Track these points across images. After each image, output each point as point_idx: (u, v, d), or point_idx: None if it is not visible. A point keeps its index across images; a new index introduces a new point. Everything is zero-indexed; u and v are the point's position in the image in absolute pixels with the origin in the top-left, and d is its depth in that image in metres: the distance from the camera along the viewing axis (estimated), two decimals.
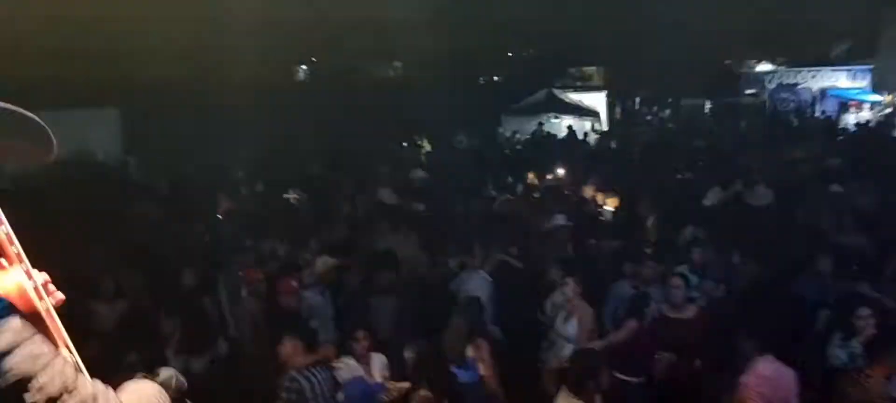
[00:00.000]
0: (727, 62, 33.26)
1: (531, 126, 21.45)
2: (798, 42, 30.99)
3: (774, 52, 31.89)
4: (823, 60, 30.18)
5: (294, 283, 6.75)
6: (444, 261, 8.57)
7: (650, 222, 9.45)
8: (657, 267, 7.25)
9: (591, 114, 22.53)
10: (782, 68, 30.21)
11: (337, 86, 32.34)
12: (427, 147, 19.62)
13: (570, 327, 6.45)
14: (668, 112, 29.37)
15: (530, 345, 6.90)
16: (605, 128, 22.46)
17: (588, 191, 10.99)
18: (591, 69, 34.35)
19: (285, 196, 11.85)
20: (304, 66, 38.81)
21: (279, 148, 18.76)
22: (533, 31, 34.92)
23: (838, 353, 5.49)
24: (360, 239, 9.29)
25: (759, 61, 32.44)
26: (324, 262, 7.29)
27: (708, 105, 28.43)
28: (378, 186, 12.29)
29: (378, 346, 6.07)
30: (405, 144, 21.02)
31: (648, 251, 7.94)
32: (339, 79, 33.95)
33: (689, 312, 5.97)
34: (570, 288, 6.51)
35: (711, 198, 10.19)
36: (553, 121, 21.53)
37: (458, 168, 14.70)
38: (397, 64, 39.17)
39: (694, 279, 6.42)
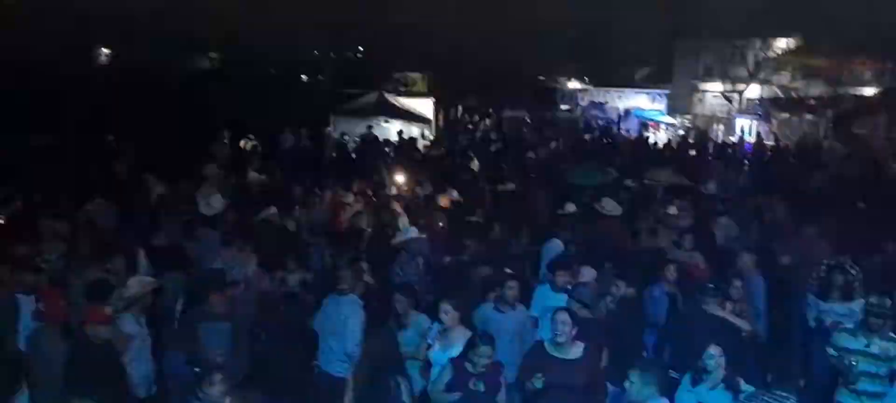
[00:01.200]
0: (542, 78, 34.57)
1: (361, 128, 20.54)
2: (607, 65, 32.85)
3: (585, 71, 33.57)
4: (628, 82, 32.27)
5: (107, 310, 5.37)
6: (283, 278, 7.46)
7: (502, 234, 8.96)
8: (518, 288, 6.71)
9: (421, 119, 22.07)
10: (592, 87, 31.84)
11: (144, 79, 29.55)
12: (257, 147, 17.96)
13: (453, 352, 5.63)
14: (488, 122, 29.73)
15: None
16: (432, 134, 22.07)
17: (444, 201, 10.24)
18: (415, 75, 34.19)
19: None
20: (105, 53, 35.11)
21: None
22: (357, 33, 34.16)
23: None
24: (185, 255, 7.93)
25: (571, 79, 34.03)
26: (139, 282, 5.93)
27: (527, 117, 29.20)
28: (202, 191, 10.80)
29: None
30: (226, 143, 19.18)
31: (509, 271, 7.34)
32: (147, 72, 30.98)
33: (577, 351, 5.31)
34: (448, 316, 5.72)
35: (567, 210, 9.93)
36: (383, 124, 20.77)
37: (292, 171, 13.41)
38: (214, 56, 36.63)
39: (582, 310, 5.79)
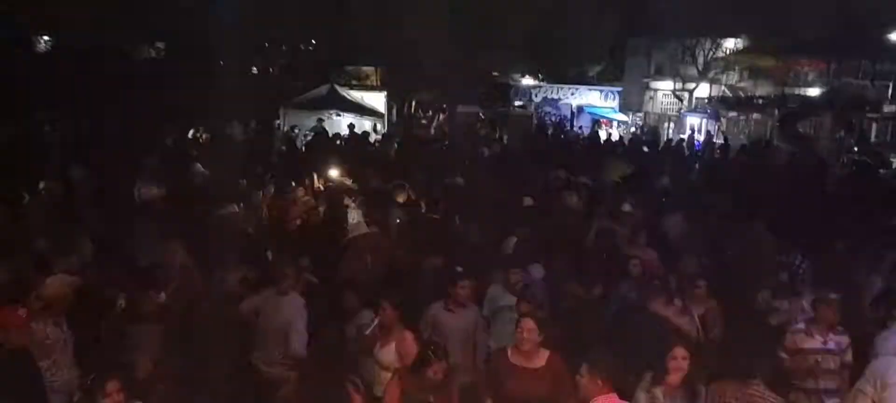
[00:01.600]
0: (495, 74, 34.46)
1: (311, 121, 20.06)
2: (560, 62, 32.94)
3: (539, 68, 33.58)
4: (581, 80, 32.40)
5: (21, 312, 4.92)
6: (223, 278, 7.06)
7: (456, 230, 8.71)
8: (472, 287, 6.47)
9: (373, 113, 21.66)
10: (545, 84, 31.85)
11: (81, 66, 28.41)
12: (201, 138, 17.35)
13: (389, 355, 5.39)
14: (442, 117, 29.49)
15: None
16: (385, 128, 21.69)
17: (399, 196, 9.91)
18: (368, 69, 33.73)
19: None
20: (44, 39, 33.66)
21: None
22: (309, 25, 33.47)
23: None
24: (114, 250, 7.46)
25: (525, 75, 34.00)
26: (58, 282, 5.47)
27: (480, 113, 29.05)
28: (140, 182, 10.29)
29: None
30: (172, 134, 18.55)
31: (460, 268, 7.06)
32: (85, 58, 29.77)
33: (540, 360, 5.04)
34: (387, 312, 5.45)
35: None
36: (335, 117, 20.32)
37: (237, 163, 12.89)
38: (159, 45, 35.47)
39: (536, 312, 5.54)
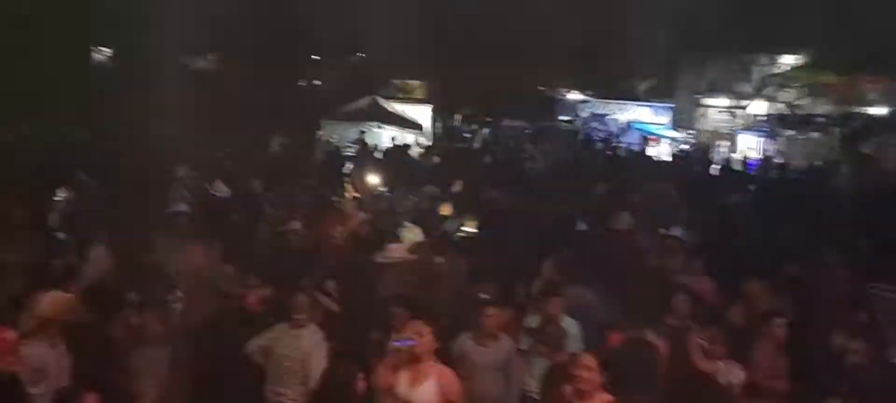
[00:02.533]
0: (542, 88, 33.70)
1: (353, 133, 19.67)
2: (609, 76, 32.01)
3: (587, 83, 32.71)
4: (630, 95, 31.42)
5: (8, 334, 4.46)
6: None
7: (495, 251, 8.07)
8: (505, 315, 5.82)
9: (415, 126, 21.16)
10: (593, 99, 31.00)
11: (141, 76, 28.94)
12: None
13: (425, 394, 4.73)
14: (487, 131, 28.86)
15: None
16: (428, 141, 21.16)
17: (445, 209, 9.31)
18: (414, 82, 33.35)
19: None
20: (103, 52, 34.24)
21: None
22: (356, 37, 33.29)
23: None
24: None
25: (572, 90, 33.16)
26: (54, 299, 5.02)
27: (526, 128, 28.36)
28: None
29: None
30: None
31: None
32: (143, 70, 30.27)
33: None
34: (424, 338, 4.81)
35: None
36: (376, 130, 19.88)
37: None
38: (210, 57, 35.72)
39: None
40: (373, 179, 12.50)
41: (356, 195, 11.57)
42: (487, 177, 14.04)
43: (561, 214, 10.12)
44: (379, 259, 7.04)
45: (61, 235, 7.49)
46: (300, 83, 35.38)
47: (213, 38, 32.51)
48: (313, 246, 8.23)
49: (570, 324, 6.03)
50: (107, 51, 32.86)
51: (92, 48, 33.20)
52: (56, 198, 9.44)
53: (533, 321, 6.19)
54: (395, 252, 7.04)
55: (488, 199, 11.32)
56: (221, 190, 10.71)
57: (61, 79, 21.10)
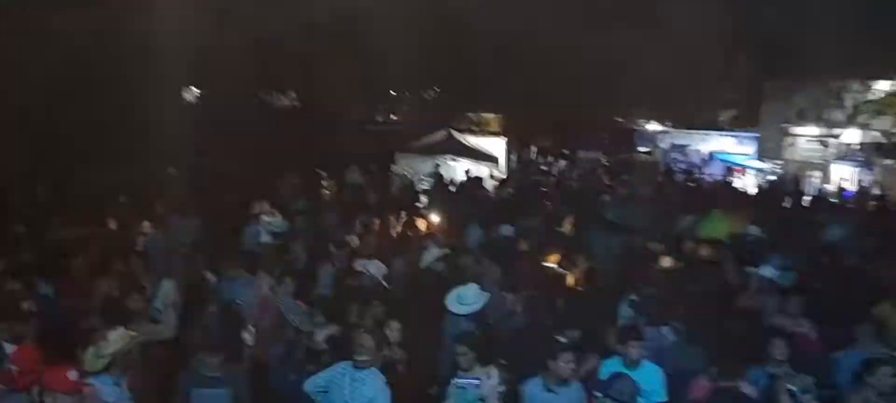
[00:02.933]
0: (620, 119, 32.97)
1: (427, 166, 19.59)
2: (689, 106, 31.04)
3: (666, 114, 31.82)
4: (712, 125, 30.31)
5: (71, 374, 4.39)
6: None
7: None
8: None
9: (490, 158, 20.90)
10: (674, 130, 30.06)
11: (228, 113, 30.21)
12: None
13: None
14: (563, 163, 28.34)
15: None
16: (503, 174, 20.85)
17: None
18: (489, 115, 33.20)
19: None
20: (193, 91, 35.73)
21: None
22: (432, 73, 33.52)
23: None
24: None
25: (651, 121, 32.32)
26: (121, 336, 4.95)
27: (602, 159, 27.70)
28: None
29: None
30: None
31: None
32: (230, 107, 31.54)
33: None
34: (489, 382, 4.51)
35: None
36: (450, 163, 19.73)
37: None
38: (292, 94, 36.70)
39: None
40: (446, 214, 12.28)
41: (430, 230, 11.35)
42: (563, 211, 13.58)
43: (640, 249, 9.61)
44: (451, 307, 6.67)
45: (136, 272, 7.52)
46: (377, 119, 36.09)
47: (288, 76, 33.74)
48: (383, 283, 8.03)
49: (650, 371, 5.58)
50: (193, 90, 34.41)
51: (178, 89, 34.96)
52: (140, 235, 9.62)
53: (611, 364, 5.75)
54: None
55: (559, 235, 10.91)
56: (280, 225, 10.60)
57: (148, 120, 22.14)
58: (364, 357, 5.10)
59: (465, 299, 6.48)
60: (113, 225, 8.96)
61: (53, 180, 15.63)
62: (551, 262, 8.65)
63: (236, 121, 27.90)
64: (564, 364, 5.23)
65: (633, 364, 5.48)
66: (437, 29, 30.79)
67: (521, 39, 31.12)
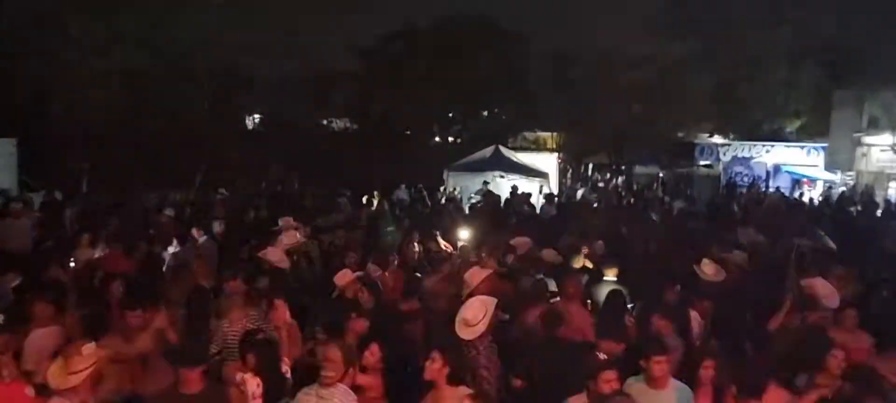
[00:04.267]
0: (680, 134, 31.74)
1: (476, 183, 19.03)
2: (752, 118, 29.61)
3: (729, 126, 30.44)
4: (778, 136, 28.77)
5: (28, 391, 4.03)
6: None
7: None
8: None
9: (540, 174, 20.16)
10: (735, 142, 28.65)
11: (283, 136, 30.78)
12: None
13: None
14: (620, 180, 27.35)
15: None
16: (552, 190, 20.08)
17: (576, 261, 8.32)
18: (545, 134, 32.49)
19: None
20: (256, 117, 36.50)
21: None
22: (487, 94, 33.14)
23: None
24: None
25: (712, 134, 30.99)
26: (92, 353, 4.51)
27: (660, 173, 26.58)
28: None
29: None
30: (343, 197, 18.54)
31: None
32: (285, 131, 32.11)
33: None
34: None
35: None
36: (499, 179, 19.12)
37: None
38: (345, 120, 36.99)
39: None
40: (490, 231, 11.68)
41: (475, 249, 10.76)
42: (620, 228, 12.79)
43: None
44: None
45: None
46: (434, 139, 35.93)
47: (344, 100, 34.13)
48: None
49: (679, 393, 4.88)
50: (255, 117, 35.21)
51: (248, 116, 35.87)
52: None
53: (635, 381, 5.07)
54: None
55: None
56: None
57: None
58: (330, 373, 4.56)
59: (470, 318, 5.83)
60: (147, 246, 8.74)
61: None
62: (610, 275, 7.92)
63: (293, 144, 28.41)
64: (605, 382, 4.62)
65: (654, 382, 4.78)
66: (489, 47, 30.54)
67: (575, 54, 30.49)
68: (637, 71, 28.52)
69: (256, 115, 36.68)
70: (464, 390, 4.73)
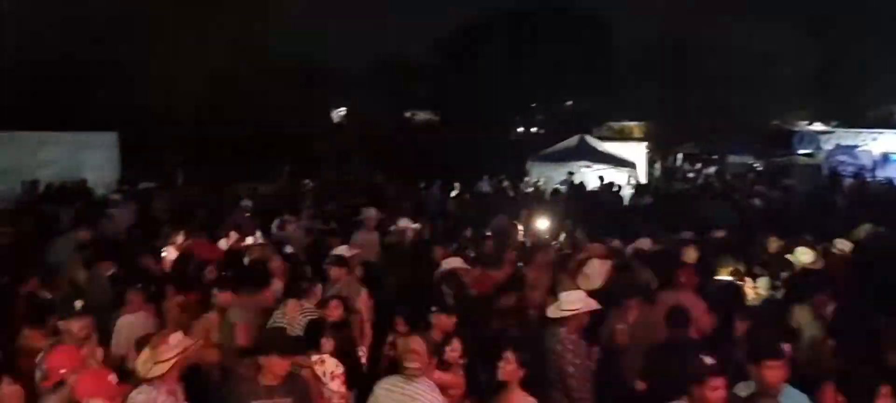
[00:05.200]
0: (776, 122, 30.03)
1: (561, 174, 18.53)
2: (856, 102, 27.63)
3: (831, 112, 28.54)
4: (886, 123, 26.73)
5: (111, 378, 3.97)
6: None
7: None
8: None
9: (628, 165, 19.42)
10: (838, 129, 26.79)
11: (371, 128, 31.31)
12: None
13: None
14: (712, 169, 26.08)
15: None
16: (640, 180, 19.32)
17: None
18: (631, 123, 31.46)
19: None
20: (342, 110, 37.12)
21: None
22: (571, 84, 32.40)
23: None
24: None
25: (813, 121, 29.16)
26: (176, 343, 4.45)
27: (754, 163, 25.18)
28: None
29: None
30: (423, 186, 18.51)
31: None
32: (373, 123, 32.60)
33: None
34: None
35: None
36: (584, 169, 18.54)
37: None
38: (427, 112, 37.08)
39: None
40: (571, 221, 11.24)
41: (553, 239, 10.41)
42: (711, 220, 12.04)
43: None
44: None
45: None
46: (518, 129, 35.55)
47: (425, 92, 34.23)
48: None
49: (794, 397, 4.37)
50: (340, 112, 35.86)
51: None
52: None
53: (744, 388, 4.59)
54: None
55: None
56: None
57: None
58: (415, 365, 4.32)
59: (565, 304, 5.51)
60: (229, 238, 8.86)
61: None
62: (723, 275, 7.38)
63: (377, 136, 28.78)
64: (712, 390, 4.18)
65: (766, 390, 4.29)
66: (571, 35, 29.82)
67: (664, 39, 29.35)
68: (729, 56, 27.17)
69: (341, 109, 37.46)
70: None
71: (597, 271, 6.76)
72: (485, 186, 18.87)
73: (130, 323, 5.70)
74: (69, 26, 19.33)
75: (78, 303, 4.90)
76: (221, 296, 5.84)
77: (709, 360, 4.63)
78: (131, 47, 19.61)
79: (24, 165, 14.40)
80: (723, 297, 6.36)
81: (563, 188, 17.71)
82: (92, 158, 16.15)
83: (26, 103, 17.86)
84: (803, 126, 28.40)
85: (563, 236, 10.15)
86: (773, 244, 8.54)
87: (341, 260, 6.92)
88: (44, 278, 6.59)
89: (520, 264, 7.98)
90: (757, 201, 14.38)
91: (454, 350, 5.07)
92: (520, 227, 10.43)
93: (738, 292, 6.89)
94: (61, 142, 15.59)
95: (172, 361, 4.32)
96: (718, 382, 4.22)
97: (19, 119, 15.99)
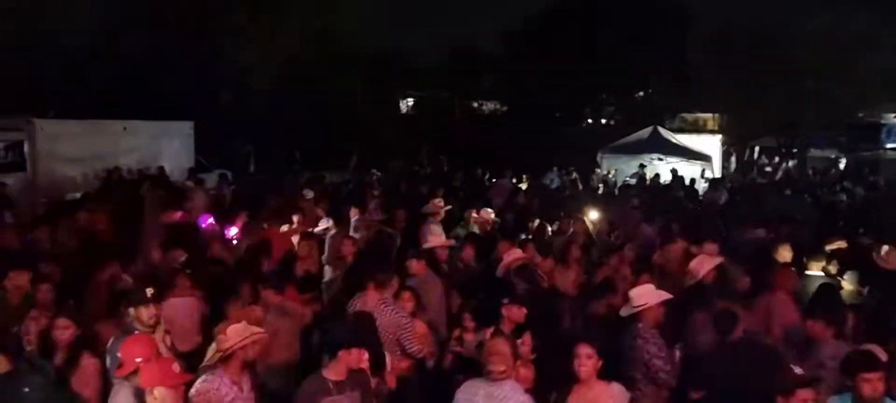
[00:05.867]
0: (862, 115, 28.29)
1: (632, 166, 17.97)
2: None
3: None
4: None
5: (174, 367, 3.93)
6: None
7: None
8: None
9: (702, 158, 18.64)
10: None
11: (437, 119, 31.40)
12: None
13: None
14: (791, 163, 24.83)
15: None
16: (715, 174, 18.51)
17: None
18: (705, 115, 30.29)
19: None
20: (410, 100, 37.18)
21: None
22: (645, 76, 31.42)
23: None
24: None
25: None
26: (241, 331, 4.39)
27: (837, 157, 23.87)
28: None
29: None
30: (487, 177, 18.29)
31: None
32: (441, 113, 32.64)
33: None
34: None
35: None
36: (657, 162, 17.90)
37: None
38: (495, 102, 36.68)
39: None
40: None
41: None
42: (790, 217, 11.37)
43: None
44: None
45: None
46: (586, 121, 34.80)
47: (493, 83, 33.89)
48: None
49: None
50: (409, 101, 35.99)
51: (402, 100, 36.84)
52: None
53: (839, 402, 4.24)
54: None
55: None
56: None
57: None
58: (499, 368, 4.10)
59: (635, 299, 5.28)
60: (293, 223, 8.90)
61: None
62: (814, 270, 6.95)
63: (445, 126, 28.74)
64: (801, 402, 3.90)
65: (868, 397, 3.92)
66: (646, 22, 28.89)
67: (743, 25, 27.98)
68: (811, 43, 25.68)
69: (409, 99, 37.51)
70: (618, 387, 4.24)
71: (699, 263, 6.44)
72: (554, 178, 18.47)
73: (174, 306, 5.73)
74: (144, 21, 19.94)
75: (149, 291, 4.90)
76: (269, 295, 5.81)
77: (798, 370, 4.32)
78: (206, 38, 20.06)
79: (108, 152, 14.86)
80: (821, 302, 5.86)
81: (632, 181, 17.21)
82: (169, 146, 16.57)
83: (111, 93, 18.53)
84: (892, 119, 26.64)
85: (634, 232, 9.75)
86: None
87: (424, 254, 6.79)
88: (124, 264, 6.71)
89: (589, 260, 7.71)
90: (843, 197, 13.49)
91: (524, 344, 4.90)
92: (588, 222, 10.05)
93: (834, 295, 6.40)
94: (142, 131, 16.03)
95: (232, 351, 4.28)
96: (808, 394, 3.96)
97: (103, 108, 16.61)
